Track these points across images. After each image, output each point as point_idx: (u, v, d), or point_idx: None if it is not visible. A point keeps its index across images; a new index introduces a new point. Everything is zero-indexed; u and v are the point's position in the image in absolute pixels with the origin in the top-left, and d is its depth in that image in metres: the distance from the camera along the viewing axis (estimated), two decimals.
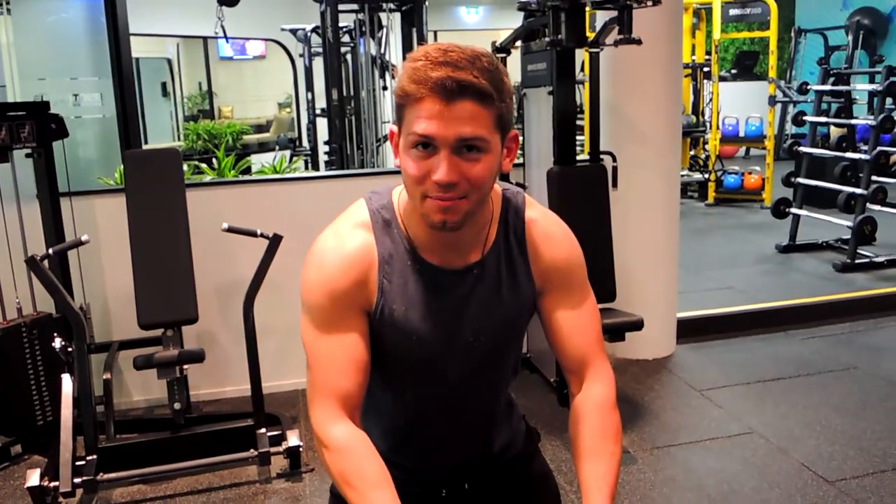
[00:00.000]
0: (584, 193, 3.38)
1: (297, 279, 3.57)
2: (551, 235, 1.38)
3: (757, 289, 5.30)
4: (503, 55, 3.77)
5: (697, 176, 8.79)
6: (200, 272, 3.24)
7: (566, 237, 1.41)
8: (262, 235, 3.14)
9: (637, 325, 3.14)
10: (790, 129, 10.22)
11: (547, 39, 3.20)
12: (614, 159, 3.71)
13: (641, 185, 3.98)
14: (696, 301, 4.86)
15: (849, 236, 5.81)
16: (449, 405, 1.41)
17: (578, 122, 4.09)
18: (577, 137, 3.92)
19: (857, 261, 5.69)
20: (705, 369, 4.06)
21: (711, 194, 8.56)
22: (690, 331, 4.44)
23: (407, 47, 6.64)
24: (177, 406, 3.19)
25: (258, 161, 7.30)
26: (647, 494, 2.88)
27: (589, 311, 1.42)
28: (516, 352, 1.47)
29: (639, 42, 3.07)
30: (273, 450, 3.05)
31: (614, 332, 3.13)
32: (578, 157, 3.68)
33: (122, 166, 3.67)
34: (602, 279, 3.35)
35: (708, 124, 8.78)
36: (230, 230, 3.11)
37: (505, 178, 3.80)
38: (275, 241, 3.13)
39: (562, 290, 1.39)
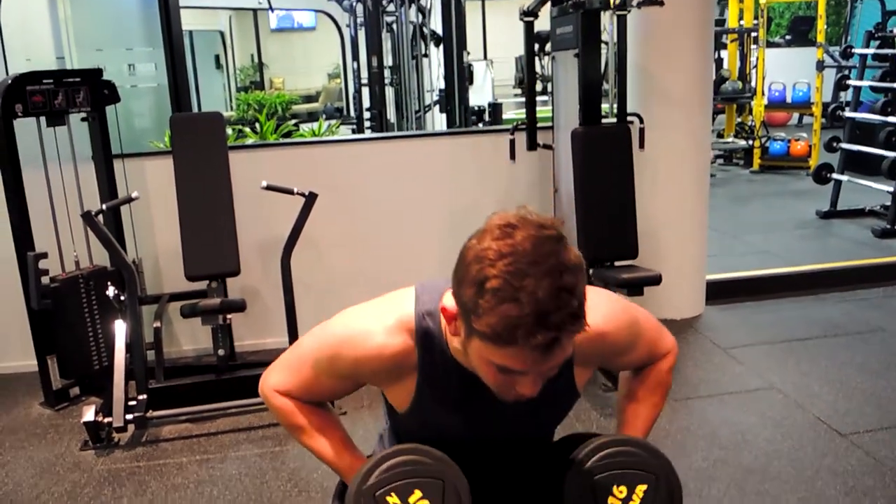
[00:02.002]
0: (607, 153, 3.47)
1: (331, 236, 3.89)
2: (605, 336, 1.34)
3: (793, 253, 5.31)
4: (531, 18, 3.85)
5: (742, 143, 8.71)
6: (243, 230, 3.44)
7: (616, 327, 1.37)
8: (298, 193, 3.32)
9: (654, 280, 3.24)
10: (844, 96, 10.02)
11: (571, 1, 3.28)
12: (641, 121, 3.79)
13: (670, 147, 4.04)
14: (731, 264, 4.91)
15: (891, 203, 5.75)
16: (496, 457, 1.48)
17: (606, 87, 4.15)
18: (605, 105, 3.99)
19: None
20: (732, 329, 4.14)
21: (756, 161, 8.49)
22: (721, 293, 4.50)
23: (446, 16, 6.73)
24: (221, 352, 3.42)
25: (306, 129, 7.55)
26: (660, 442, 2.99)
27: (644, 340, 1.45)
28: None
29: (661, 3, 3.13)
30: None
31: (633, 286, 3.24)
32: (605, 120, 3.77)
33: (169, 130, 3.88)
34: (624, 237, 3.46)
35: (754, 90, 8.68)
36: (269, 188, 3.31)
37: (533, 141, 3.92)
38: (310, 199, 3.31)
39: (621, 354, 1.45)
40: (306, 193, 3.32)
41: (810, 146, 8.26)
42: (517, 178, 4.12)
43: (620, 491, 1.30)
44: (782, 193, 7.56)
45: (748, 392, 3.40)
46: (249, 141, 4.91)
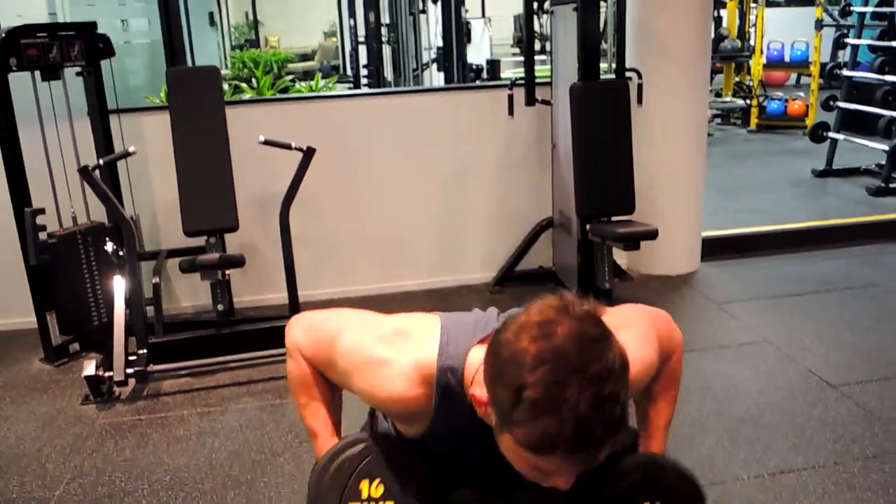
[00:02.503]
0: (605, 108, 3.47)
1: (329, 192, 3.85)
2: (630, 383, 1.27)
3: (788, 211, 5.33)
4: None
5: (740, 102, 8.68)
6: (240, 186, 3.44)
7: (638, 377, 1.30)
8: (296, 148, 3.32)
9: (651, 235, 3.27)
10: (843, 55, 9.96)
11: None
12: (640, 76, 3.78)
13: (669, 103, 4.04)
14: (726, 222, 4.93)
15: (885, 161, 5.77)
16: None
17: (605, 46, 4.12)
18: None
19: (891, 185, 5.66)
20: (726, 285, 4.18)
21: (754, 120, 8.47)
22: (716, 249, 4.53)
23: None
24: (220, 308, 3.45)
25: (303, 85, 7.49)
26: None
27: (660, 360, 1.41)
28: None
29: None
30: None
31: (629, 240, 3.26)
32: (604, 76, 3.76)
33: (166, 85, 3.86)
34: (621, 192, 3.47)
35: (752, 49, 8.62)
36: (266, 143, 3.30)
37: (532, 96, 3.91)
38: (309, 154, 3.31)
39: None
40: (304, 148, 3.32)
41: (807, 106, 8.23)
42: (516, 133, 4.12)
43: None
44: (779, 152, 7.56)
45: (741, 346, 3.45)
46: (246, 96, 4.88)
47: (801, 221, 5.04)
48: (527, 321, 1.06)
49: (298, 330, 1.48)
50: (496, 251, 4.27)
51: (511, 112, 3.94)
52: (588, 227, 3.52)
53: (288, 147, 3.33)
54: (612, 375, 1.02)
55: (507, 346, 1.06)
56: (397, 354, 1.28)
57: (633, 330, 1.34)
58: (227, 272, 3.47)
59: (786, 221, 5.05)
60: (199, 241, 3.46)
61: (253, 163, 3.69)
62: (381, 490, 1.36)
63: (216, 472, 2.62)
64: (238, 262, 3.31)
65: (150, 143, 3.75)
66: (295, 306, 3.40)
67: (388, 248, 4.20)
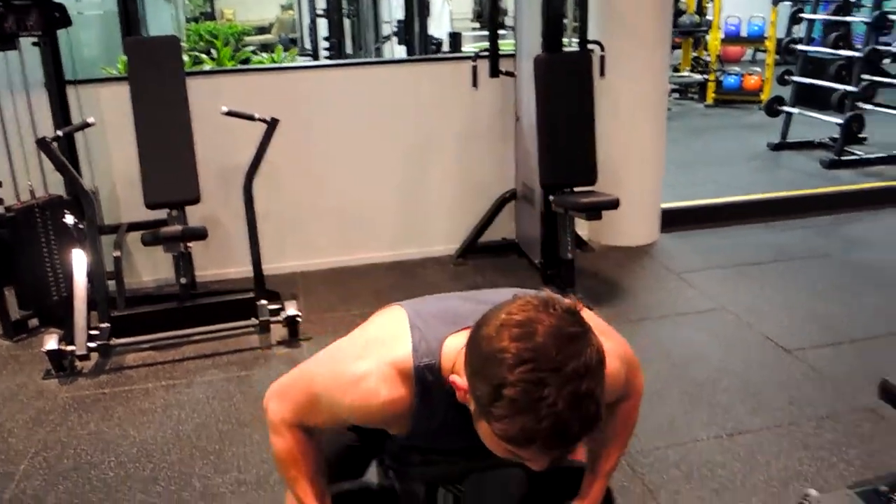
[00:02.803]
0: (569, 79, 3.50)
1: (292, 164, 3.80)
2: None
3: (744, 183, 5.44)
4: None
5: (698, 77, 8.79)
6: (202, 159, 3.39)
7: (616, 381, 1.34)
8: (260, 119, 3.29)
9: (612, 204, 3.32)
10: (798, 30, 10.11)
11: None
12: (602, 49, 3.81)
13: (630, 76, 4.08)
14: (685, 194, 5.02)
15: (838, 135, 5.91)
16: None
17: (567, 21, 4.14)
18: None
19: (843, 157, 5.81)
20: (685, 255, 4.26)
21: (710, 95, 8.59)
22: (675, 221, 4.61)
23: None
24: (183, 280, 3.42)
25: (265, 56, 7.36)
26: None
27: (627, 383, 1.43)
28: None
29: None
30: (273, 319, 3.29)
31: (592, 209, 3.31)
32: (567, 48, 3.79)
33: (123, 56, 3.78)
34: (584, 162, 3.51)
35: (710, 24, 8.71)
36: (229, 114, 3.27)
37: (496, 68, 3.92)
38: (272, 125, 3.29)
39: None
40: (268, 119, 3.29)
41: (763, 81, 8.37)
42: (479, 106, 4.13)
43: None
44: (735, 126, 7.69)
45: (700, 313, 3.53)
46: (207, 67, 4.80)
47: (757, 193, 5.15)
48: (508, 319, 1.08)
49: (274, 401, 1.44)
50: (459, 223, 4.29)
51: (475, 84, 3.95)
52: (551, 197, 3.56)
53: (251, 118, 3.30)
54: (590, 372, 1.05)
55: (487, 342, 1.08)
56: (374, 362, 1.28)
57: (609, 340, 1.32)
58: (190, 245, 3.43)
59: (743, 193, 5.16)
60: (160, 214, 3.42)
61: (213, 135, 3.64)
62: None
63: (183, 443, 2.62)
64: (201, 234, 3.28)
65: (108, 115, 3.67)
66: (260, 279, 3.39)
67: (351, 221, 4.19)
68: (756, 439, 2.54)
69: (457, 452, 1.42)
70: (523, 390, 1.03)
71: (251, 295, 3.38)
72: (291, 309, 3.28)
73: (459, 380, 1.16)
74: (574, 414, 1.04)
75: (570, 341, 1.05)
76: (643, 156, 4.28)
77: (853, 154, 5.90)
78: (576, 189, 3.54)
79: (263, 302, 3.34)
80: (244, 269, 3.97)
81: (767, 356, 3.12)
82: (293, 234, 4.10)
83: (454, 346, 1.25)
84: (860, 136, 6.18)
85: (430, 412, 1.30)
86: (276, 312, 3.34)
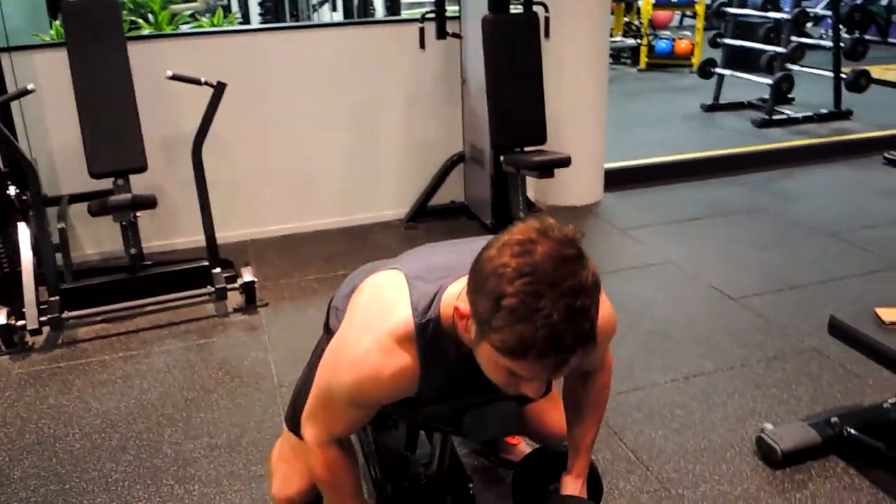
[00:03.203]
0: (516, 39, 3.53)
1: (237, 131, 3.69)
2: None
3: (681, 143, 5.59)
4: None
5: (630, 42, 8.93)
6: (146, 127, 3.31)
7: (606, 327, 1.41)
8: (206, 83, 3.22)
9: (565, 162, 3.38)
10: None
11: None
12: (546, 9, 3.84)
13: (573, 37, 4.14)
14: (625, 155, 5.12)
15: (768, 95, 6.12)
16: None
17: None
18: None
19: (774, 117, 6.02)
20: (629, 213, 4.37)
21: (643, 59, 8.75)
22: (617, 180, 4.72)
23: None
24: (132, 251, 3.35)
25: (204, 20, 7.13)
26: None
27: (604, 343, 1.50)
28: None
29: None
30: (229, 286, 3.25)
31: (544, 168, 3.37)
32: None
33: (58, 21, 3.64)
34: (533, 122, 3.56)
35: None
36: (174, 77, 3.19)
37: (442, 29, 3.92)
38: (219, 89, 3.22)
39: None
40: (214, 83, 3.23)
41: (693, 45, 8.57)
42: (424, 69, 4.12)
43: None
44: (668, 89, 7.87)
45: (647, 266, 3.65)
46: (145, 32, 4.66)
47: (693, 152, 5.30)
48: (509, 239, 1.14)
49: (306, 429, 1.48)
50: (408, 187, 4.30)
51: (422, 45, 3.94)
52: (502, 158, 3.60)
53: (197, 82, 3.23)
54: (585, 291, 1.11)
55: (489, 261, 1.13)
56: (373, 338, 1.31)
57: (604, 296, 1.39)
58: (137, 214, 3.36)
59: (680, 153, 5.31)
60: (103, 184, 3.32)
61: (154, 102, 3.55)
62: None
63: (149, 412, 2.59)
64: (150, 201, 3.21)
65: (44, 83, 3.52)
66: (213, 247, 3.34)
67: (300, 188, 4.16)
68: (710, 381, 2.66)
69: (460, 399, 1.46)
70: (521, 301, 1.08)
71: (205, 263, 3.33)
72: (248, 275, 3.26)
73: (462, 305, 1.21)
74: (568, 326, 1.09)
75: (567, 262, 1.11)
76: (587, 116, 4.36)
77: (782, 113, 6.11)
78: (526, 149, 3.59)
79: (218, 270, 3.30)
80: (191, 240, 3.92)
81: (714, 304, 3.25)
82: (241, 202, 4.04)
83: (451, 294, 1.29)
84: (789, 96, 6.41)
85: (436, 368, 1.33)
86: (231, 280, 3.31)
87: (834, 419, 2.28)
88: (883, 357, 2.05)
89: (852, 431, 2.23)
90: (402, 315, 1.31)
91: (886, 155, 5.22)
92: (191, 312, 3.29)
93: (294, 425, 1.71)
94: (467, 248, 1.27)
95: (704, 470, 2.22)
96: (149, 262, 3.65)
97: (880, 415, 2.30)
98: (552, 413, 1.73)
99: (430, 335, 1.31)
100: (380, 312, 1.34)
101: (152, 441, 2.42)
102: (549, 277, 1.09)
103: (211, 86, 3.23)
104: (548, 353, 1.10)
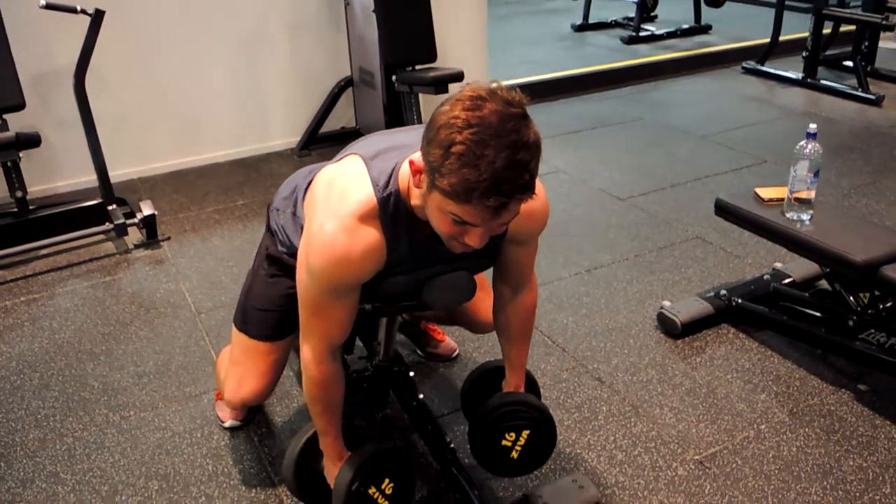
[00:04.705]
0: None
1: (117, 65, 3.60)
2: (533, 213, 1.45)
3: (556, 61, 5.78)
4: None
5: None
6: (18, 64, 3.13)
7: (543, 212, 1.52)
8: (82, 11, 3.07)
9: (458, 77, 3.47)
10: None
11: None
12: None
13: None
14: (504, 74, 5.25)
15: (634, 14, 6.39)
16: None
17: None
18: None
19: (640, 34, 6.31)
20: None
21: None
22: None
23: None
24: (19, 194, 3.20)
25: None
26: None
27: (535, 248, 1.63)
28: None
29: None
30: (129, 221, 3.18)
31: (439, 83, 3.44)
32: None
33: None
34: (424, 40, 3.61)
35: None
36: (48, 6, 3.02)
37: None
38: (98, 17, 3.08)
39: (526, 243, 1.60)
40: (91, 12, 3.08)
41: None
42: None
43: (510, 436, 1.67)
44: (539, 12, 8.04)
45: (539, 176, 3.81)
46: None
47: (569, 70, 5.50)
48: (461, 96, 1.22)
49: (304, 346, 1.53)
50: (298, 115, 4.27)
51: None
52: (394, 77, 3.64)
53: (73, 11, 3.07)
54: (526, 146, 1.20)
55: (442, 115, 1.22)
56: (336, 221, 1.38)
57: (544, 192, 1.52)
58: (20, 154, 3.20)
59: (556, 70, 5.49)
60: None
61: (24, 36, 3.35)
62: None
63: (66, 349, 2.54)
64: (35, 139, 3.06)
65: None
66: (106, 183, 3.24)
67: (188, 121, 4.05)
68: (610, 271, 2.88)
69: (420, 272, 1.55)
70: (468, 148, 1.17)
71: (99, 201, 3.23)
72: (147, 209, 3.19)
73: (416, 157, 1.30)
74: (509, 174, 1.18)
75: (512, 119, 1.20)
76: (470, 36, 4.44)
77: (648, 31, 6.41)
78: (417, 67, 3.64)
79: (114, 206, 3.21)
80: (74, 182, 3.78)
81: (605, 205, 3.47)
82: (126, 139, 3.90)
83: (407, 166, 1.36)
84: (652, 14, 6.72)
85: (401, 239, 1.41)
86: (129, 216, 3.23)
87: (723, 292, 2.54)
88: (765, 228, 2.30)
89: (740, 301, 2.50)
90: (363, 193, 1.38)
91: (744, 65, 5.62)
92: (90, 252, 3.20)
93: (245, 325, 1.76)
94: (419, 132, 1.34)
95: (614, 346, 2.43)
96: (37, 206, 3.50)
97: (762, 285, 2.58)
98: (484, 301, 1.85)
99: (392, 208, 1.38)
100: (340, 197, 1.40)
101: (76, 376, 2.39)
102: (495, 129, 1.18)
103: (88, 14, 3.08)
104: (489, 194, 1.19)
